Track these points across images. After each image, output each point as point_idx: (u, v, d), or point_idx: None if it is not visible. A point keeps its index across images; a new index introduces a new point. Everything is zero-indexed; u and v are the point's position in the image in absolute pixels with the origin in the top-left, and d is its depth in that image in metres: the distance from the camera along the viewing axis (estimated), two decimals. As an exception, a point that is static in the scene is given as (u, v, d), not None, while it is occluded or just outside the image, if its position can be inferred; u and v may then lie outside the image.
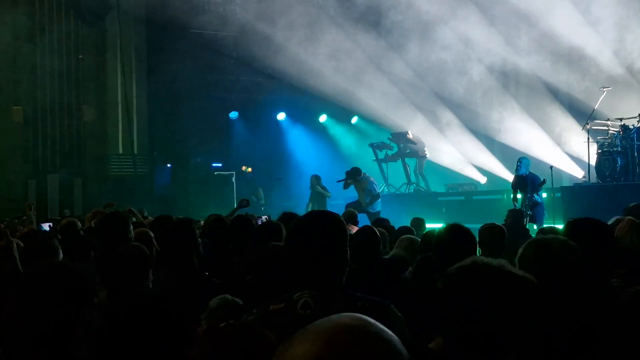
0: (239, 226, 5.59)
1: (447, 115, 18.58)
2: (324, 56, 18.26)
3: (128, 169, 19.20)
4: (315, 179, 15.80)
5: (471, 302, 1.91)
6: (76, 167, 18.76)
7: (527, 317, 1.90)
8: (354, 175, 13.97)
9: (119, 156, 19.57)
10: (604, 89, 14.61)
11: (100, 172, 18.91)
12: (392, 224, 7.95)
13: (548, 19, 16.85)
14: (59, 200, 17.89)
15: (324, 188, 15.64)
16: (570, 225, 3.51)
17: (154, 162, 19.87)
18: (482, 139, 18.22)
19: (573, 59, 17.02)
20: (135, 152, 19.73)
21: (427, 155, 18.06)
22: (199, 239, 4.91)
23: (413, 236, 6.31)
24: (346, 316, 1.26)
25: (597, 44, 16.63)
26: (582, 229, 3.40)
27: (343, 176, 14.37)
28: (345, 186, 14.21)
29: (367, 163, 18.39)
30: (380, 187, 15.63)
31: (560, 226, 11.37)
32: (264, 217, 9.19)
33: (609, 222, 5.15)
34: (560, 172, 15.04)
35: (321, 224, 2.69)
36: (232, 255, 5.30)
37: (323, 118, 20.40)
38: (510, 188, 13.43)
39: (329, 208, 14.42)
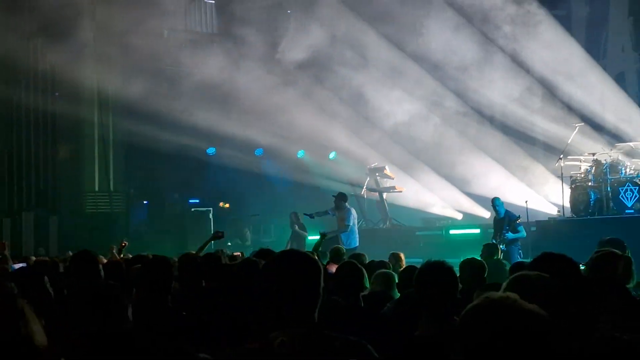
0: (209, 264, 5.59)
1: (420, 160, 18.77)
2: (301, 95, 18.50)
3: (104, 206, 19.06)
4: (295, 217, 15.80)
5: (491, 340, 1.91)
6: (51, 205, 18.58)
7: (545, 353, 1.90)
8: (340, 200, 13.82)
9: (95, 193, 19.44)
10: (576, 125, 14.94)
11: (76, 210, 18.73)
12: (369, 259, 7.95)
13: (521, 56, 17.26)
14: (34, 238, 17.69)
15: (302, 227, 15.62)
16: (536, 260, 3.57)
17: (130, 199, 19.75)
18: (456, 182, 18.35)
19: (546, 97, 17.41)
20: (112, 189, 19.61)
21: (404, 190, 18.21)
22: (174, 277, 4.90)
23: (388, 271, 6.34)
24: None
25: (569, 81, 17.03)
26: (547, 264, 3.45)
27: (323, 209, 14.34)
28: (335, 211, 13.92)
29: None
30: (358, 223, 15.65)
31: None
32: (236, 253, 9.19)
33: (591, 256, 5.12)
34: (535, 208, 15.19)
35: (292, 264, 2.68)
36: (205, 293, 5.27)
37: (301, 154, 20.43)
38: (488, 223, 13.60)
39: (308, 244, 14.42)
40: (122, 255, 9.44)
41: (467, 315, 1.99)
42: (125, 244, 10.11)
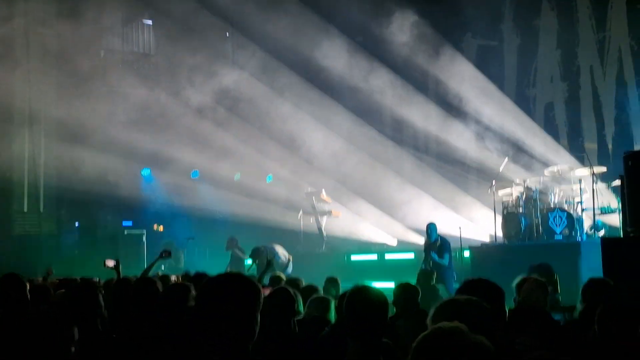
0: (143, 289, 5.50)
1: (352, 189, 18.93)
2: (235, 119, 18.53)
3: (33, 228, 18.50)
4: (232, 241, 15.69)
5: None
6: (-22, 226, 17.95)
7: None
8: (256, 255, 13.40)
9: (24, 214, 18.84)
10: (508, 155, 15.43)
11: (3, 232, 18.12)
12: (306, 283, 7.92)
13: (456, 88, 17.73)
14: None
15: (242, 250, 15.51)
16: (462, 286, 3.64)
17: (61, 220, 19.22)
18: (389, 209, 18.52)
19: (479, 125, 17.88)
20: (41, 210, 19.04)
21: (340, 215, 18.32)
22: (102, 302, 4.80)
23: (323, 295, 6.33)
24: None
25: (501, 110, 17.54)
26: (472, 289, 3.52)
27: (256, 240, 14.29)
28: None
29: (282, 222, 18.43)
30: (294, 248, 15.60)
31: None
32: (173, 277, 9.05)
33: (515, 281, 5.39)
34: (469, 233, 15.46)
35: (231, 288, 2.60)
36: (136, 318, 5.17)
37: (237, 176, 20.30)
38: (421, 248, 13.78)
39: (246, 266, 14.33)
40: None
41: (419, 345, 2.05)
42: (51, 272, 9.94)
